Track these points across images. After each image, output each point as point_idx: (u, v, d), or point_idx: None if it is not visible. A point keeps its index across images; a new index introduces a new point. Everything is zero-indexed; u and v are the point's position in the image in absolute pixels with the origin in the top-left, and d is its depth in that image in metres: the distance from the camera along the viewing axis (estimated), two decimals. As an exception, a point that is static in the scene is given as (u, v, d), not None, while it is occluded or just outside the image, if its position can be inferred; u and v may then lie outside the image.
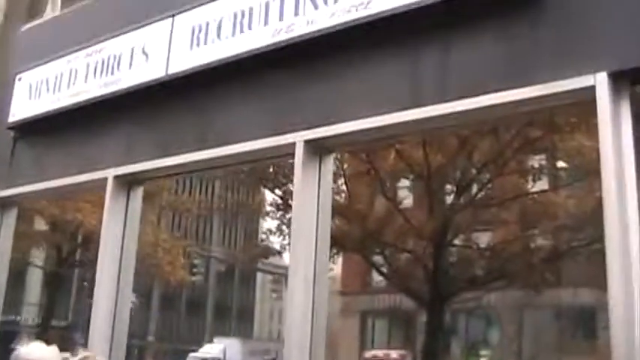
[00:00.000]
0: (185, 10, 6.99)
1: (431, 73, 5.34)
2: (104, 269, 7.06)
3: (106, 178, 7.27)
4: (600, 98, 4.51)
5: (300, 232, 5.68)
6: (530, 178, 13.62)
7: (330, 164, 5.90)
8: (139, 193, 7.36)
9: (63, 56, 8.24)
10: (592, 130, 8.14)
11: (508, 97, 4.89)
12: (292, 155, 5.87)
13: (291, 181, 11.82)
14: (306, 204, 5.73)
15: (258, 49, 6.22)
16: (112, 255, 7.09)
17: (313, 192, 5.76)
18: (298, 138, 5.80)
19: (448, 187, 13.62)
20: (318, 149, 5.84)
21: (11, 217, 8.83)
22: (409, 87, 5.41)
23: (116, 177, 7.22)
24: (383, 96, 5.50)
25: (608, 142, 4.43)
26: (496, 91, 4.92)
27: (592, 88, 4.54)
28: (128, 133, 7.39)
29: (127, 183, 7.29)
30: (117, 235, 7.14)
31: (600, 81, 4.52)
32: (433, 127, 5.72)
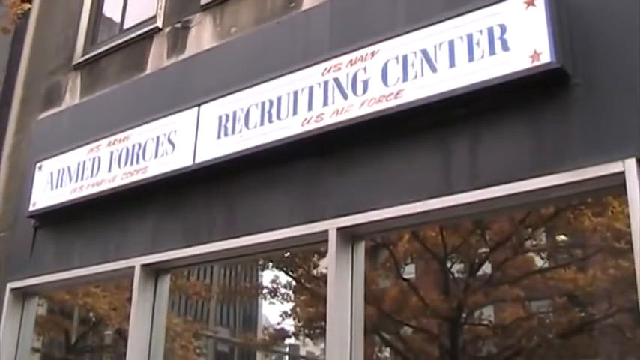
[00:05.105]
0: (211, 100, 7.05)
1: (460, 162, 5.39)
2: (134, 358, 7.02)
3: (132, 267, 7.28)
4: (630, 184, 4.57)
5: (335, 320, 5.64)
6: (543, 255, 13.72)
7: (362, 251, 5.88)
8: (166, 282, 7.33)
9: (85, 145, 8.26)
10: (606, 209, 8.19)
11: (537, 185, 4.94)
12: (324, 243, 5.87)
13: (308, 265, 11.76)
14: (340, 291, 5.71)
15: (286, 138, 6.27)
16: (141, 344, 7.05)
17: (347, 279, 5.75)
18: (330, 226, 5.83)
19: (462, 266, 13.69)
20: (350, 237, 5.86)
21: (32, 307, 8.78)
22: (439, 175, 5.45)
23: (143, 266, 7.22)
24: (414, 184, 5.53)
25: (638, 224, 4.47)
26: (525, 178, 4.98)
27: (621, 175, 4.61)
28: (154, 221, 7.38)
29: (154, 271, 7.28)
30: (145, 324, 7.11)
31: (629, 167, 4.58)
32: (463, 215, 5.73)
